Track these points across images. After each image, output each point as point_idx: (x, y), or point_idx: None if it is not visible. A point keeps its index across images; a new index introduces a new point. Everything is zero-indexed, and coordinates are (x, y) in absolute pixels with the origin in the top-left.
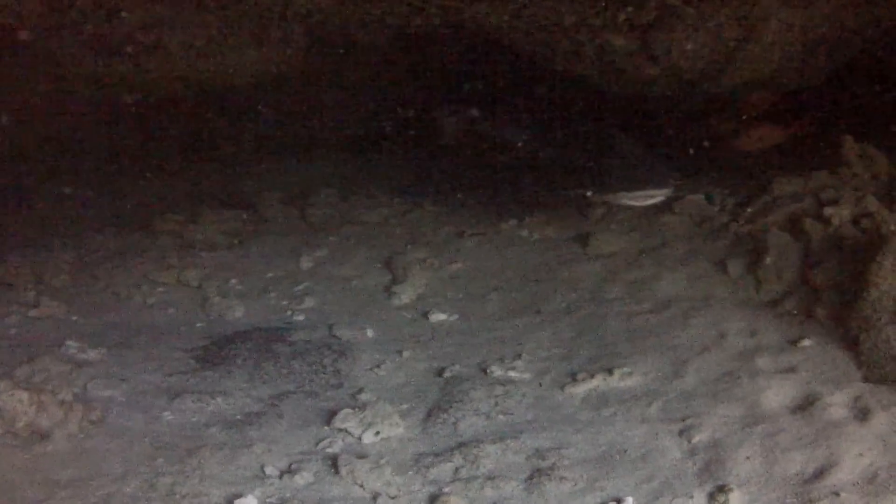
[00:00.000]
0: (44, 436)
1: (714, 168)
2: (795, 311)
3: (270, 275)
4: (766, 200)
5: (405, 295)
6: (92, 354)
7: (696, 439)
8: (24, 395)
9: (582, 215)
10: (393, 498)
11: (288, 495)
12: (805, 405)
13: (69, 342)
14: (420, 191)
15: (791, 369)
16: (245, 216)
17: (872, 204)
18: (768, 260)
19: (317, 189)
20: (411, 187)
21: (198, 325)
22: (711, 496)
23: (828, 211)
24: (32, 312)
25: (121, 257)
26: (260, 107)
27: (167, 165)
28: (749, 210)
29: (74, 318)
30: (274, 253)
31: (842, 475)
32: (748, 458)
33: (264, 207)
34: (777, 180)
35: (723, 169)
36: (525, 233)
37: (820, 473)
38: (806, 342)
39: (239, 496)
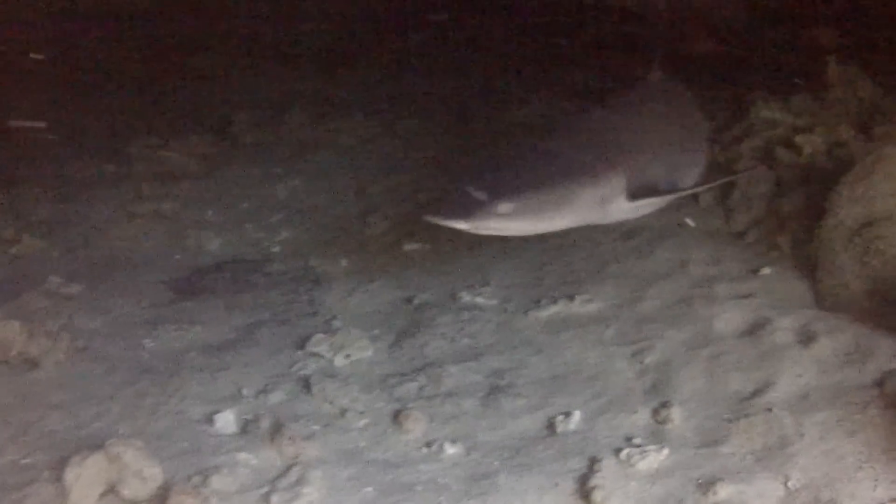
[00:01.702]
0: (34, 364)
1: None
2: (760, 241)
3: (246, 205)
4: (743, 126)
5: (378, 225)
6: (74, 288)
7: (646, 361)
8: (17, 325)
9: None
10: (360, 413)
11: (262, 412)
12: (754, 330)
13: (51, 277)
14: (393, 112)
15: (747, 296)
16: (218, 139)
17: (846, 132)
18: (737, 191)
19: (291, 108)
20: (384, 107)
21: (175, 256)
22: (654, 412)
23: (800, 139)
24: (13, 249)
25: (97, 188)
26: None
27: (135, 81)
28: (725, 136)
29: (55, 253)
30: (249, 180)
31: (776, 394)
32: (692, 377)
33: (238, 130)
34: (756, 104)
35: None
36: None
37: (757, 392)
38: (766, 270)
39: (218, 412)
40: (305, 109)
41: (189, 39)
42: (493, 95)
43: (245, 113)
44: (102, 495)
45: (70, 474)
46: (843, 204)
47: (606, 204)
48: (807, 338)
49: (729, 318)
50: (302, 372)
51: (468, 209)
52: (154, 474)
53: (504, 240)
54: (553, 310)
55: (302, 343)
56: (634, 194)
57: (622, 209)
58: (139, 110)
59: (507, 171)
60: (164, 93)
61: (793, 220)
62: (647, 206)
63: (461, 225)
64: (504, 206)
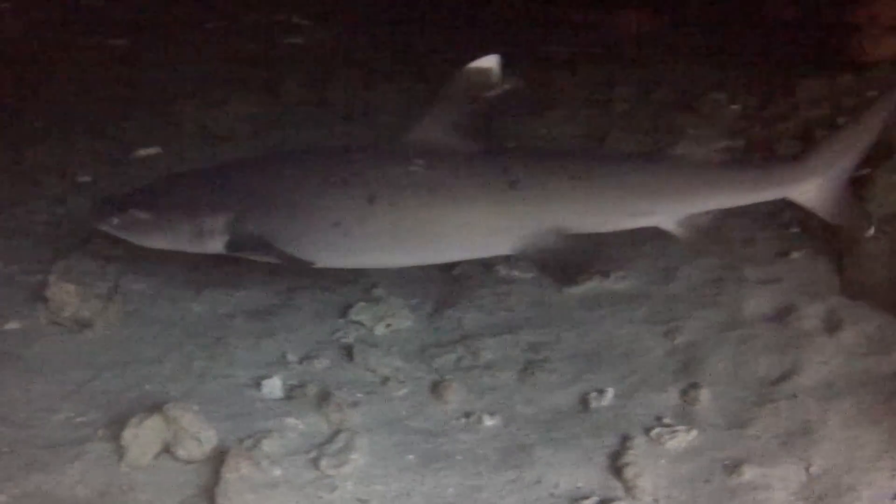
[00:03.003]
0: (85, 325)
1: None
2: (793, 224)
3: None
4: (786, 105)
5: None
6: (120, 250)
7: (677, 341)
8: (71, 287)
9: (604, 111)
10: (400, 382)
11: (307, 378)
12: (781, 315)
13: (97, 239)
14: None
15: (775, 280)
16: (266, 101)
17: None
18: None
19: (338, 71)
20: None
21: None
22: (683, 392)
23: (840, 121)
24: (60, 209)
25: (143, 149)
26: None
27: (181, 39)
28: (767, 114)
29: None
30: (295, 144)
31: (802, 380)
32: (721, 360)
33: (285, 92)
34: (802, 83)
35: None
36: (544, 130)
37: (783, 377)
38: (795, 255)
39: (265, 377)
40: (354, 72)
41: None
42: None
43: (292, 75)
44: (157, 455)
45: (128, 434)
46: (878, 193)
47: (204, 239)
48: (833, 325)
49: (757, 302)
50: (344, 340)
51: (98, 214)
52: (209, 437)
53: None
54: (588, 286)
55: (343, 311)
56: (236, 243)
57: (219, 247)
58: (186, 69)
59: (151, 187)
60: (211, 53)
61: None
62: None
63: (97, 225)
64: (113, 219)
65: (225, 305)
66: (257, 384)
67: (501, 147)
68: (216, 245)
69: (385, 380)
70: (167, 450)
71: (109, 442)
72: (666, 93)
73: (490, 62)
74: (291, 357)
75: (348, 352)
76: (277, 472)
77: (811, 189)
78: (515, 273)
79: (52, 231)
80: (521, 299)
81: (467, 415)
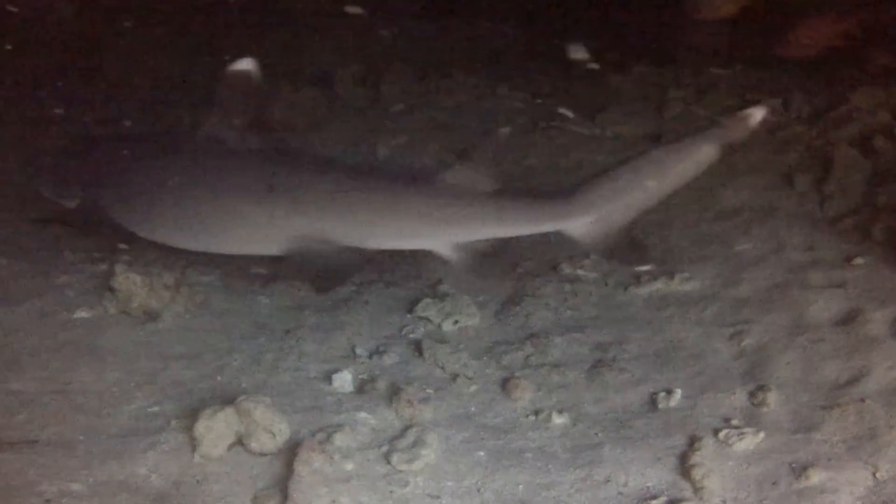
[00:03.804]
0: (154, 316)
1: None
2: (855, 230)
3: (349, 162)
4: (842, 112)
5: None
6: None
7: (744, 343)
8: (138, 278)
9: (658, 111)
10: (470, 378)
11: (377, 373)
12: (847, 319)
13: None
14: (497, 72)
15: (840, 285)
16: (322, 94)
17: None
18: (834, 177)
19: (392, 65)
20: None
21: None
22: (751, 394)
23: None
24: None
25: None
26: None
27: (238, 31)
28: (823, 121)
29: None
30: (351, 138)
31: (870, 385)
32: (789, 363)
33: (340, 86)
34: (858, 90)
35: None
36: (598, 130)
37: (851, 382)
38: (860, 260)
39: (335, 371)
40: (408, 66)
41: None
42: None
43: (347, 68)
44: (230, 447)
45: (201, 426)
46: None
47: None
48: None
49: (823, 306)
50: (412, 335)
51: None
52: (282, 430)
53: None
54: (653, 287)
55: (410, 306)
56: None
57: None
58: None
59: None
60: (266, 45)
61: (888, 212)
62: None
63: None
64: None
65: (293, 298)
66: (328, 378)
67: (284, 151)
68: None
69: (454, 376)
70: (240, 442)
71: (182, 433)
72: (721, 96)
73: (248, 65)
74: (361, 351)
75: (417, 347)
76: (349, 466)
77: (583, 226)
78: (580, 272)
79: None
80: (587, 298)
81: (537, 412)
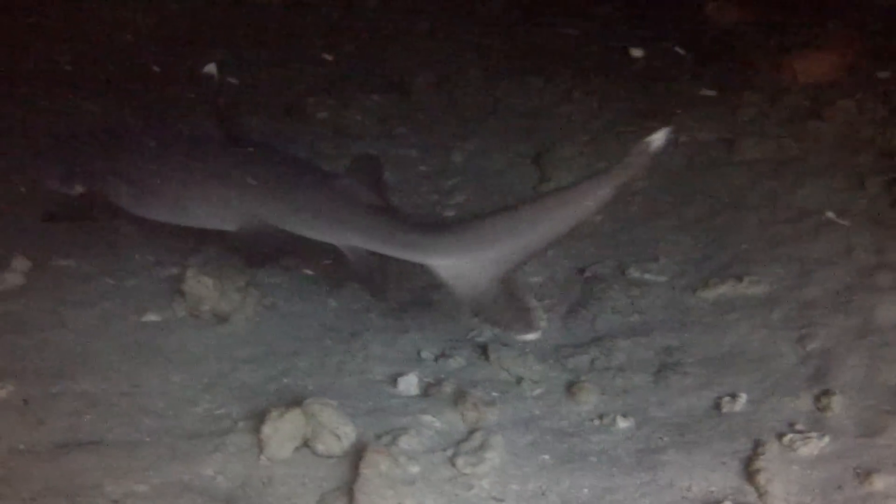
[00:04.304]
0: (223, 318)
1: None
2: None
3: (422, 167)
4: None
5: None
6: None
7: (809, 347)
8: (209, 281)
9: (732, 115)
10: (535, 382)
11: (443, 376)
12: None
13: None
14: (571, 76)
15: None
16: (396, 100)
17: None
18: None
19: (466, 69)
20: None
21: None
22: (816, 398)
23: None
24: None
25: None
26: None
27: (313, 40)
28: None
29: None
30: (425, 143)
31: None
32: (854, 367)
33: (413, 91)
34: None
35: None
36: (673, 136)
37: None
38: None
39: (401, 374)
40: (481, 71)
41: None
42: None
43: (420, 73)
44: (297, 449)
45: (268, 428)
46: None
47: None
48: None
49: (890, 309)
50: (478, 339)
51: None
52: (347, 433)
53: (675, 215)
54: (721, 290)
55: None
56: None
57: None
58: (315, 69)
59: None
60: (341, 52)
61: None
62: None
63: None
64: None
65: (359, 301)
66: (393, 381)
67: (246, 144)
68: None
69: (519, 379)
70: (306, 444)
71: (249, 434)
72: (797, 98)
73: (210, 69)
74: (426, 354)
75: (483, 351)
76: (415, 469)
77: (450, 267)
78: (647, 276)
79: (184, 228)
80: (653, 302)
81: (601, 416)
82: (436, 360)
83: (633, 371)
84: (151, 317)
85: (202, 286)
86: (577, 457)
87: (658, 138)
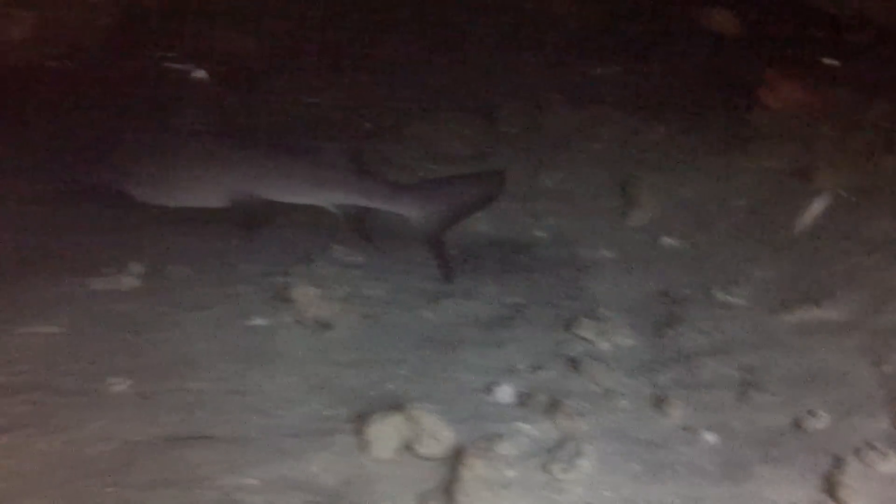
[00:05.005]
0: (326, 325)
1: None
2: None
3: (513, 190)
4: None
5: (638, 218)
6: (356, 258)
7: (886, 370)
8: (315, 290)
9: (810, 147)
10: (624, 395)
11: (536, 387)
12: None
13: (335, 246)
14: (653, 109)
15: None
16: (485, 125)
17: None
18: None
19: (551, 98)
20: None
21: (445, 236)
22: (894, 418)
23: None
24: (302, 217)
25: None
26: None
27: (397, 59)
28: None
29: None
30: (515, 167)
31: None
32: None
33: (503, 116)
34: None
35: None
36: (750, 164)
37: None
38: None
39: (497, 384)
40: (566, 99)
41: (456, 26)
42: None
43: (507, 99)
44: (398, 451)
45: (372, 429)
46: None
47: None
48: None
49: None
50: (569, 353)
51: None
52: (447, 436)
53: (754, 242)
54: (800, 314)
55: (568, 325)
56: None
57: None
58: (405, 91)
59: None
60: (430, 77)
61: None
62: None
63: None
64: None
65: (456, 314)
66: (489, 389)
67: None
68: None
69: (609, 392)
70: (407, 446)
71: (352, 435)
72: (872, 134)
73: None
74: (520, 366)
75: (574, 364)
76: (511, 473)
77: (418, 215)
78: (729, 298)
79: (291, 237)
80: (735, 323)
81: (687, 429)
82: (529, 371)
83: (717, 388)
84: (258, 321)
85: (308, 294)
86: (666, 467)
87: None
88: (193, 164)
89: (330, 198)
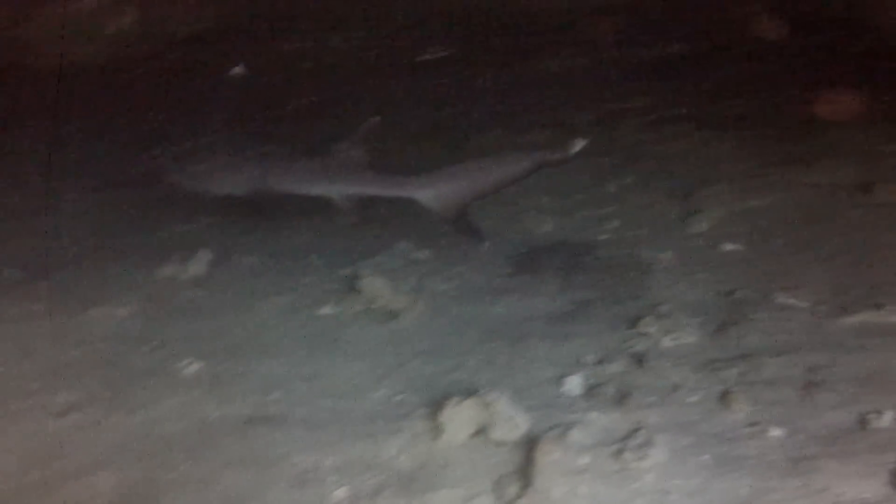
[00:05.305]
0: (394, 316)
1: None
2: None
3: (579, 196)
4: None
5: (699, 225)
6: (422, 254)
7: None
8: (384, 281)
9: (873, 162)
10: (690, 390)
11: (603, 380)
12: None
13: (401, 242)
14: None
15: None
16: (556, 136)
17: None
18: None
19: (624, 113)
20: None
21: (511, 235)
22: None
23: None
24: (368, 212)
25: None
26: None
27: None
28: None
29: (406, 219)
30: (583, 174)
31: None
32: None
33: (575, 129)
34: None
35: None
36: (812, 177)
37: None
38: None
39: (565, 376)
40: (639, 116)
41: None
42: None
43: (581, 114)
44: (472, 436)
45: (446, 414)
46: None
47: None
48: None
49: None
50: (634, 349)
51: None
52: (521, 422)
53: (814, 249)
54: (861, 316)
55: (632, 323)
56: None
57: None
58: (481, 105)
59: None
60: (506, 91)
61: None
62: None
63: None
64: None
65: (521, 310)
66: (558, 381)
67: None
68: None
69: (675, 387)
70: (481, 431)
71: (426, 420)
72: None
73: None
74: (587, 360)
75: (639, 359)
76: (584, 460)
77: (430, 197)
78: (791, 301)
79: (357, 233)
80: (797, 325)
81: (753, 424)
82: (596, 365)
83: (781, 385)
84: (327, 311)
85: (377, 285)
86: (735, 459)
87: (577, 144)
88: (225, 159)
89: (343, 190)
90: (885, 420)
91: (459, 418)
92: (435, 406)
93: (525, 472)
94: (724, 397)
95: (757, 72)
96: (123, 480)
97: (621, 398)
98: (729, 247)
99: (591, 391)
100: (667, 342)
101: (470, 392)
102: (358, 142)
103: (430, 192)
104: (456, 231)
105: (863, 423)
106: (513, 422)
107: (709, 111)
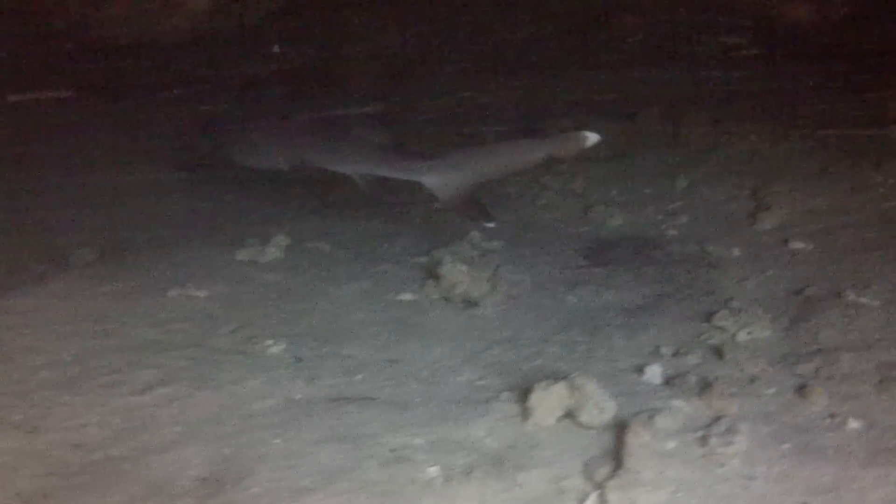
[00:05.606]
0: (473, 303)
1: None
2: None
3: (648, 190)
4: None
5: (768, 222)
6: (495, 244)
7: None
8: (464, 268)
9: None
10: (768, 382)
11: (682, 370)
12: None
13: (473, 232)
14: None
15: None
16: (626, 128)
17: None
18: None
19: (691, 109)
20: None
21: (581, 228)
22: None
23: None
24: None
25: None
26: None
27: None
28: None
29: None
30: (652, 169)
31: None
32: None
33: (643, 122)
34: None
35: None
36: (880, 178)
37: None
38: None
39: (644, 365)
40: (706, 111)
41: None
42: None
43: (650, 107)
44: (559, 419)
45: (535, 397)
46: None
47: None
48: None
49: None
50: (710, 341)
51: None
52: (609, 407)
53: (886, 244)
54: None
55: (706, 316)
56: None
57: None
58: (552, 96)
59: None
60: (574, 81)
61: None
62: None
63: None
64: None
65: (597, 300)
66: (638, 370)
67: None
68: None
69: (753, 379)
70: (569, 415)
71: (512, 404)
72: None
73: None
74: (665, 350)
75: (716, 351)
76: (671, 444)
77: (436, 183)
78: (862, 299)
79: (427, 225)
80: (869, 322)
81: (832, 416)
82: (674, 356)
83: (857, 380)
84: (406, 296)
85: (457, 271)
86: (815, 449)
87: (590, 138)
88: (267, 137)
89: (356, 168)
90: None
91: (548, 401)
92: (519, 390)
93: (615, 454)
94: (802, 390)
95: (825, 70)
96: (213, 455)
97: (704, 387)
98: (797, 244)
99: (670, 380)
100: (742, 336)
101: (552, 377)
102: (376, 124)
103: (436, 179)
104: (461, 216)
105: None
106: (603, 405)
107: (776, 109)
